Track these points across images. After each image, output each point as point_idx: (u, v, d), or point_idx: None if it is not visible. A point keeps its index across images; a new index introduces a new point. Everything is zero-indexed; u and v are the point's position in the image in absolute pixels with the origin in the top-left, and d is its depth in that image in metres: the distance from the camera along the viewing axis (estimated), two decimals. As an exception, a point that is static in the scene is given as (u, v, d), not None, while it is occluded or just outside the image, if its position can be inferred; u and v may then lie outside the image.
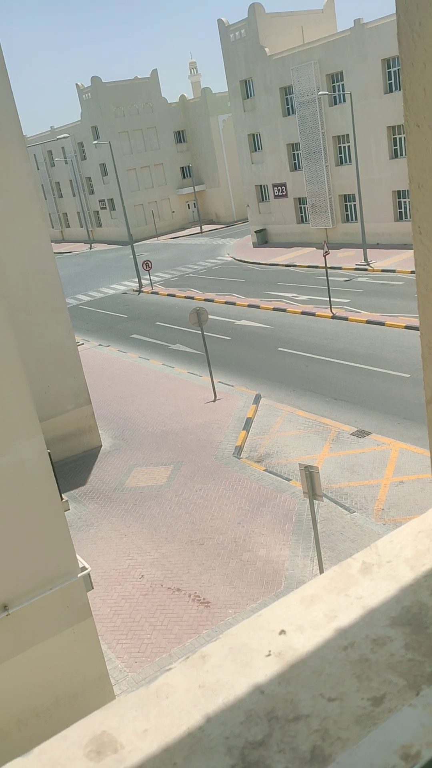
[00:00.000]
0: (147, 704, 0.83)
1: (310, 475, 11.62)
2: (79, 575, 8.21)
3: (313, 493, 11.74)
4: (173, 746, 0.77)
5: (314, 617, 0.94)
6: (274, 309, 30.24)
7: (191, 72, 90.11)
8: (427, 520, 1.12)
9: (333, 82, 40.19)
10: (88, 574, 8.38)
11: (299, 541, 13.47)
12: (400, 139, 37.54)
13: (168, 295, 37.75)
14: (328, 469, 15.74)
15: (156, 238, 63.51)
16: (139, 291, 40.20)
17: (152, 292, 39.11)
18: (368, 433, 17.24)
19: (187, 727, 0.79)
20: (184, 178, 67.45)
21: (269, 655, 0.88)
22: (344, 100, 38.74)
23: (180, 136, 66.94)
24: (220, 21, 46.22)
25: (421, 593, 0.95)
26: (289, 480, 15.71)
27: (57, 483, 8.07)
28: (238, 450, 17.61)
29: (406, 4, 1.04)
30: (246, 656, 0.89)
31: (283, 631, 0.92)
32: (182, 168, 67.37)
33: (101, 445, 19.30)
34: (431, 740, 0.69)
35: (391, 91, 36.79)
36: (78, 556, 8.40)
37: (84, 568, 8.34)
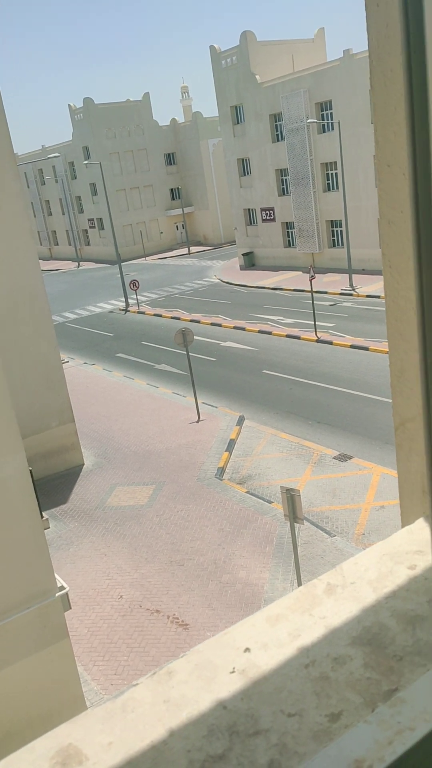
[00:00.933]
0: (113, 717, 0.86)
1: (291, 498, 11.65)
2: (56, 595, 8.13)
3: (294, 516, 11.75)
4: (136, 759, 0.79)
5: (278, 636, 0.97)
6: (260, 331, 30.42)
7: (183, 96, 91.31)
8: (392, 543, 1.16)
9: (322, 111, 40.91)
10: (66, 593, 8.30)
11: (279, 564, 13.45)
12: (386, 167, 38.13)
13: (154, 314, 37.87)
14: (310, 493, 15.77)
15: (144, 258, 63.82)
16: (126, 310, 40.29)
17: (139, 312, 39.21)
18: (350, 457, 17.31)
19: (151, 740, 0.81)
20: (174, 199, 68.02)
21: (233, 671, 0.91)
22: (333, 128, 39.40)
23: (170, 159, 67.61)
24: (212, 47, 46.99)
25: (381, 614, 0.98)
26: (270, 502, 15.71)
27: (38, 501, 8.02)
28: (221, 471, 17.59)
29: (379, 52, 1.10)
30: (211, 672, 0.91)
31: (247, 649, 0.95)
32: (172, 190, 67.96)
33: (83, 464, 19.20)
34: (383, 755, 0.72)
35: (378, 121, 37.43)
36: (56, 576, 8.33)
37: (62, 588, 8.27)
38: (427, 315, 1.17)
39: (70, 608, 8.80)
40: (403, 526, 1.40)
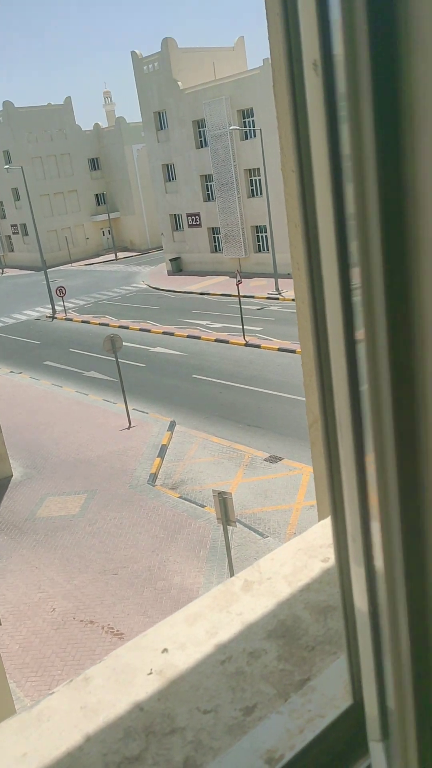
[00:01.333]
0: (28, 728, 0.84)
1: (223, 501, 11.71)
2: (-15, 611, 7.89)
3: (226, 519, 11.82)
4: (52, 767, 0.78)
5: (196, 634, 0.98)
6: (189, 336, 30.48)
7: (105, 101, 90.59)
8: (307, 539, 1.19)
9: (244, 118, 41.45)
10: (-5, 609, 8.06)
11: (213, 567, 13.48)
12: (308, 174, 38.98)
13: (82, 321, 37.35)
14: (242, 495, 15.89)
15: (70, 264, 62.87)
16: (53, 317, 39.56)
17: (66, 319, 38.58)
18: (280, 459, 17.56)
19: (67, 747, 0.81)
20: (99, 205, 67.34)
21: (151, 673, 0.92)
22: (255, 135, 39.97)
23: (94, 164, 66.93)
24: (133, 53, 46.87)
25: (296, 606, 1.01)
26: (203, 506, 15.74)
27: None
28: (153, 477, 17.51)
29: (279, 58, 1.13)
30: (128, 676, 0.92)
31: (165, 650, 0.96)
32: (97, 195, 67.27)
33: (11, 475, 18.71)
34: (294, 743, 0.74)
35: (299, 128, 38.24)
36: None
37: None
38: (318, 317, 1.21)
39: (1, 624, 8.56)
40: (319, 520, 1.44)
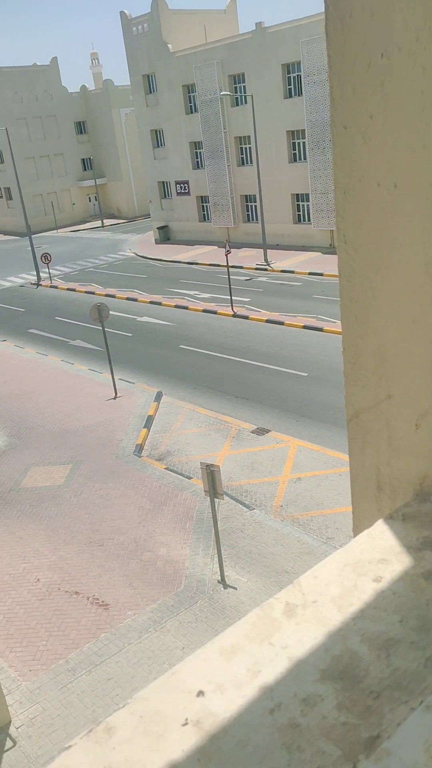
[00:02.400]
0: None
1: (211, 473, 11.62)
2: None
3: (214, 491, 11.75)
4: None
5: (236, 673, 0.83)
6: (176, 306, 30.16)
7: (93, 63, 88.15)
8: (352, 552, 1.04)
9: (235, 83, 40.57)
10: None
11: (200, 539, 13.46)
12: (298, 143, 38.42)
13: (68, 289, 36.83)
14: (229, 467, 15.84)
15: (56, 231, 61.85)
16: (38, 284, 38.99)
17: (51, 286, 38.03)
18: (267, 431, 17.50)
19: None
20: (86, 170, 66.06)
21: (186, 723, 0.77)
22: (246, 102, 39.18)
23: (81, 127, 65.48)
24: (122, 13, 45.56)
25: (351, 639, 0.86)
26: (190, 478, 15.68)
27: None
28: (139, 448, 17.39)
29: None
30: (159, 726, 0.77)
31: (201, 692, 0.81)
32: (83, 160, 65.95)
33: (-5, 445, 18.51)
34: None
35: (290, 96, 37.57)
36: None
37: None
38: (382, 292, 1.06)
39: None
40: (355, 526, 1.30)
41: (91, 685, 10.18)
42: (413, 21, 0.90)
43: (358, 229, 1.06)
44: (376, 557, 1.01)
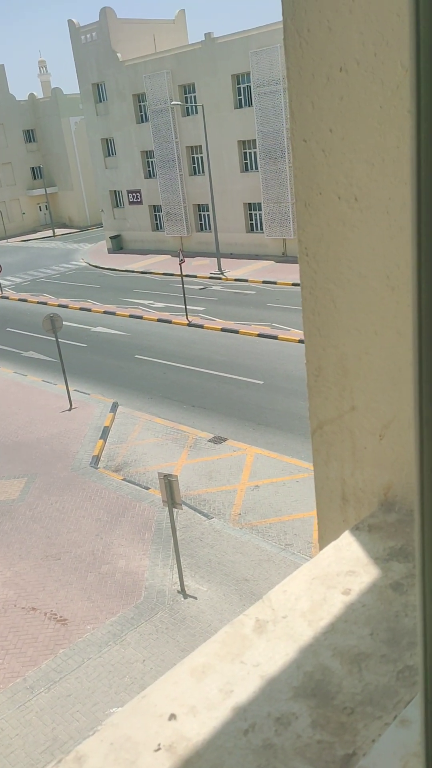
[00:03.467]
0: None
1: (169, 483, 11.56)
2: None
3: (172, 501, 11.68)
4: None
5: (208, 694, 0.82)
6: (131, 316, 30.00)
7: (41, 71, 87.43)
8: (320, 564, 1.04)
9: (186, 93, 40.73)
10: None
11: (159, 550, 13.36)
12: (250, 153, 38.76)
13: (19, 300, 36.26)
14: (186, 476, 15.78)
15: (5, 240, 60.89)
16: (-12, 295, 38.28)
17: (2, 297, 37.38)
18: (225, 439, 17.51)
19: None
20: (35, 179, 65.29)
21: (158, 749, 0.75)
22: (197, 112, 39.37)
23: (30, 136, 64.72)
24: (70, 22, 45.32)
25: (322, 655, 0.86)
26: (147, 489, 15.56)
27: None
28: (96, 460, 17.19)
29: (294, 8, 0.96)
30: (130, 753, 0.75)
31: (173, 716, 0.79)
32: (33, 168, 65.17)
33: None
34: None
35: (240, 106, 37.91)
36: None
37: None
38: (343, 305, 1.06)
39: None
40: (320, 536, 1.30)
41: (50, 703, 9.97)
42: (370, 36, 0.91)
43: (319, 242, 1.07)
44: (344, 569, 1.01)
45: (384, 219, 0.99)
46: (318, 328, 1.13)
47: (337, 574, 1.00)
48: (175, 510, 11.99)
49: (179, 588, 12.07)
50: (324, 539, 1.20)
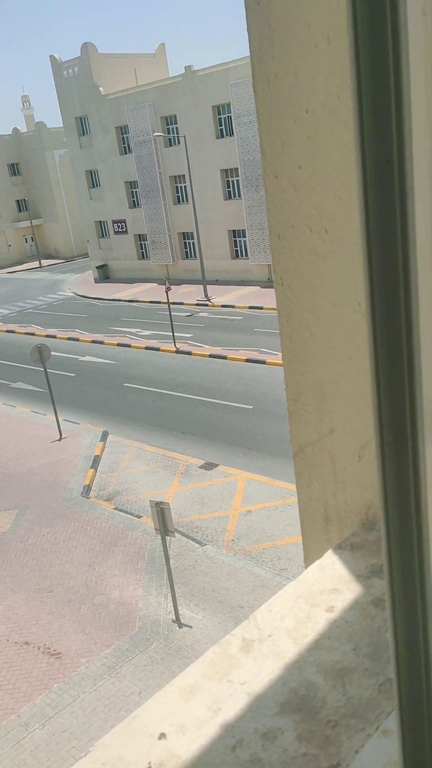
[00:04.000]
0: None
1: (161, 511, 11.52)
2: None
3: (164, 529, 11.63)
4: None
5: (196, 712, 0.84)
6: (119, 344, 30.07)
7: (24, 105, 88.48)
8: (304, 583, 1.07)
9: (167, 125, 41.35)
10: None
11: (152, 579, 13.25)
12: (232, 181, 39.31)
13: (7, 331, 36.27)
14: (178, 504, 15.72)
15: (-8, 273, 61.05)
16: (-25, 327, 38.25)
17: (-11, 329, 37.38)
18: (216, 465, 17.49)
19: None
20: (21, 211, 65.73)
21: (149, 767, 0.77)
22: (179, 142, 39.94)
23: (14, 169, 65.30)
24: (52, 57, 46.05)
25: (307, 671, 0.88)
26: (139, 517, 15.48)
27: None
28: (87, 489, 17.09)
29: (261, 54, 1.02)
30: (123, 773, 0.77)
31: (163, 735, 0.81)
32: (18, 201, 65.65)
33: None
34: None
35: (222, 136, 38.53)
36: None
37: None
38: (319, 332, 1.11)
39: None
40: (306, 557, 1.33)
41: (45, 739, 9.79)
42: (334, 80, 0.97)
43: (293, 273, 1.11)
44: (327, 587, 1.04)
45: (354, 249, 1.04)
46: (295, 354, 1.17)
47: (321, 592, 1.03)
48: (167, 538, 11.92)
49: (174, 617, 11.96)
50: (309, 559, 1.23)
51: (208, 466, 17.52)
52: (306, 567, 1.16)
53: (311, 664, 0.89)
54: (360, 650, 0.90)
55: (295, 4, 0.93)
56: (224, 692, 0.87)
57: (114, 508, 16.05)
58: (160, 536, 11.81)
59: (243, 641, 0.95)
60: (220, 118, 38.36)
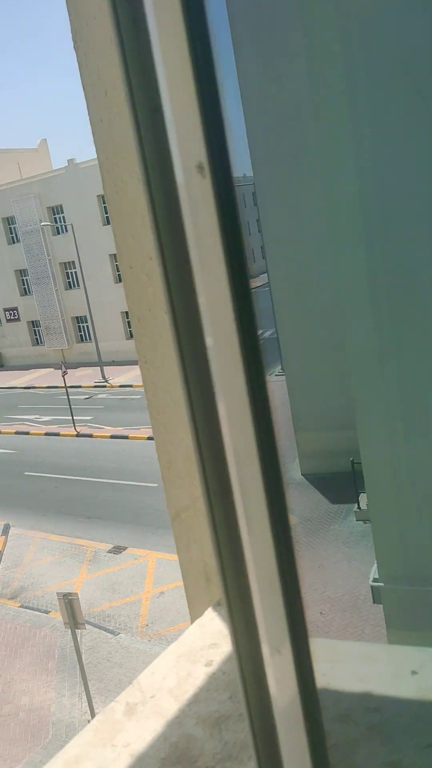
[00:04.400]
0: None
1: (69, 603, 11.06)
2: None
3: (74, 622, 11.14)
4: None
5: (81, 781, 0.87)
6: (17, 433, 29.22)
7: None
8: (186, 642, 1.12)
9: (54, 214, 42.03)
10: None
11: (65, 678, 12.54)
12: (123, 264, 40.14)
13: None
14: (88, 593, 15.13)
15: None
16: None
17: None
18: (124, 548, 17.06)
19: None
20: None
21: None
22: (67, 230, 40.57)
23: None
24: None
25: (186, 724, 0.93)
26: (47, 612, 14.73)
27: None
28: (-11, 590, 16.15)
29: (108, 164, 1.15)
30: None
31: (48, 808, 0.83)
32: None
33: None
34: None
35: (108, 223, 39.50)
36: None
37: None
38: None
39: None
40: (192, 618, 1.38)
41: None
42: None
43: (154, 351, 1.22)
44: (207, 643, 1.10)
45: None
46: (164, 425, 1.27)
47: (201, 648, 1.09)
48: (78, 631, 11.41)
49: (90, 717, 11.29)
50: (193, 617, 1.28)
51: (117, 549, 17.07)
52: (191, 625, 1.21)
53: (191, 717, 0.94)
54: (235, 697, 0.96)
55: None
56: (108, 757, 0.90)
57: (19, 606, 15.22)
58: (70, 631, 11.28)
59: (126, 705, 0.99)
60: (105, 207, 39.41)
